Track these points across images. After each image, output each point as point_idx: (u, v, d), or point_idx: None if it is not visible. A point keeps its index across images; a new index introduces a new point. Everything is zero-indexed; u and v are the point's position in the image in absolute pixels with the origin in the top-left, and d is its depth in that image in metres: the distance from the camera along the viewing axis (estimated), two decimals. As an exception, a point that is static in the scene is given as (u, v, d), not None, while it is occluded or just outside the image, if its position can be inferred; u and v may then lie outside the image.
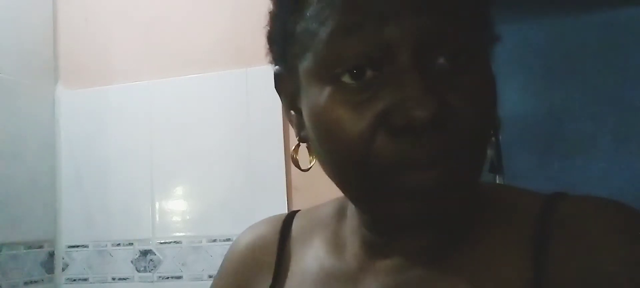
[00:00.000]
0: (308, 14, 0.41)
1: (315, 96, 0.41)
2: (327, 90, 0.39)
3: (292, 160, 0.49)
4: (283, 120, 1.41)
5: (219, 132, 1.46)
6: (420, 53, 0.37)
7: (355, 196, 0.43)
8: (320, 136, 0.41)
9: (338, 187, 0.43)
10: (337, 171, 0.41)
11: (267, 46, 0.47)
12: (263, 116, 1.42)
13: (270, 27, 0.46)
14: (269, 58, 0.48)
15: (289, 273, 0.52)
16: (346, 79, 0.38)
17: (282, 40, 0.44)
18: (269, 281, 0.53)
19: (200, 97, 1.49)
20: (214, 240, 1.44)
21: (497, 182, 1.81)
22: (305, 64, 0.42)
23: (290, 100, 0.48)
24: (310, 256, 0.51)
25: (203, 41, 1.52)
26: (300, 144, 0.48)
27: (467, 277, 0.41)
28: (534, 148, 1.95)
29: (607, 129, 1.93)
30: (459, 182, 0.38)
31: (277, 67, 0.48)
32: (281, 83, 0.49)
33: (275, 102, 1.52)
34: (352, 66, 0.38)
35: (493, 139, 0.45)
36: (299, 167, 0.48)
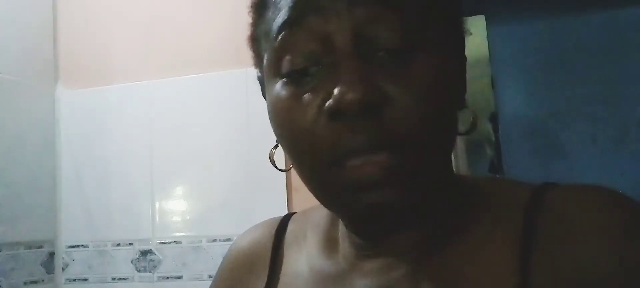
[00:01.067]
0: (267, 17, 0.43)
1: (270, 92, 0.44)
2: (277, 85, 0.42)
3: (270, 159, 0.51)
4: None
5: (219, 132, 1.46)
6: (358, 42, 0.38)
7: (313, 191, 0.44)
8: (275, 131, 0.44)
9: (303, 182, 0.44)
10: (295, 165, 0.43)
11: (250, 52, 0.50)
12: (263, 116, 1.41)
13: (249, 34, 0.49)
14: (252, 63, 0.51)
15: (282, 275, 0.53)
16: (294, 75, 0.41)
17: (254, 45, 0.48)
18: (263, 283, 0.53)
19: (200, 97, 1.49)
20: (214, 240, 1.44)
21: (497, 182, 1.80)
22: (264, 64, 0.45)
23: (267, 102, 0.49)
24: (303, 258, 0.52)
25: (203, 41, 1.52)
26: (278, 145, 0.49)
27: (454, 272, 0.41)
28: (534, 148, 1.95)
29: (607, 129, 1.93)
30: (404, 170, 0.38)
31: (258, 72, 0.50)
32: (262, 87, 0.51)
33: (275, 102, 1.51)
34: (299, 61, 0.40)
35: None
36: (276, 167, 0.50)
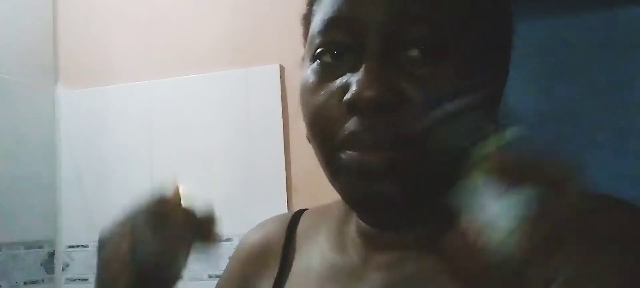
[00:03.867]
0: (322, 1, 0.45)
1: (304, 72, 0.45)
2: (311, 67, 0.44)
3: (308, 139, 0.52)
4: (283, 120, 1.41)
5: (219, 132, 1.46)
6: (388, 42, 0.40)
7: (324, 169, 0.45)
8: (302, 105, 0.45)
9: (319, 162, 0.46)
10: (313, 144, 0.45)
11: (301, 29, 0.51)
12: (263, 116, 1.42)
13: (303, 13, 0.50)
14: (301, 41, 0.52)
15: (293, 269, 0.53)
16: (327, 58, 0.43)
17: (305, 25, 0.49)
18: (275, 275, 0.54)
19: (200, 97, 1.49)
20: (214, 240, 1.44)
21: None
22: (306, 44, 0.47)
23: None
24: (315, 252, 0.52)
25: (203, 41, 1.52)
26: None
27: (460, 266, 0.42)
28: (534, 148, 1.95)
29: (607, 129, 1.93)
30: (403, 167, 0.40)
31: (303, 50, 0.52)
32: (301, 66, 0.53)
33: (275, 102, 1.52)
34: (333, 49, 0.43)
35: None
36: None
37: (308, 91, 0.44)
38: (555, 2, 1.92)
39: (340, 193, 0.46)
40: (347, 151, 0.41)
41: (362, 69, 0.40)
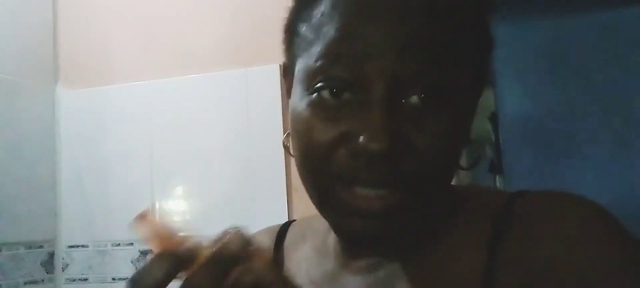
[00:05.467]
0: (313, 21, 0.44)
1: (298, 99, 0.45)
2: (307, 98, 0.43)
3: (283, 145, 0.53)
4: (283, 120, 1.41)
5: (219, 132, 1.46)
6: (392, 90, 0.40)
7: (314, 201, 0.46)
8: (294, 136, 0.45)
9: (306, 190, 0.46)
10: (303, 172, 0.45)
11: (282, 35, 0.51)
12: (263, 116, 1.42)
13: (287, 19, 0.50)
14: (282, 47, 0.51)
15: None
16: (325, 94, 0.42)
17: (290, 35, 0.49)
18: None
19: (200, 97, 1.49)
20: (214, 240, 1.44)
21: (497, 182, 1.81)
22: (298, 66, 0.46)
23: (287, 91, 0.51)
24: (302, 262, 0.55)
25: (203, 41, 1.52)
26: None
27: (427, 272, 0.45)
28: (534, 148, 1.95)
29: (607, 129, 1.93)
30: (404, 208, 0.41)
31: (284, 58, 0.52)
32: (284, 75, 0.53)
33: (275, 102, 1.52)
34: (333, 86, 0.42)
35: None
36: (290, 153, 0.50)
37: (304, 124, 0.43)
38: (555, 2, 1.92)
39: (332, 227, 0.47)
40: (346, 190, 0.41)
41: (367, 118, 0.40)
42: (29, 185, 1.49)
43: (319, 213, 0.55)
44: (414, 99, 0.41)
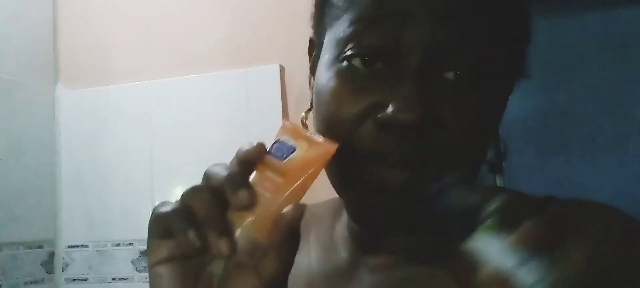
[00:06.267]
0: None
1: (327, 68, 0.42)
2: (337, 66, 0.41)
3: (302, 123, 0.50)
4: (283, 120, 1.41)
5: (219, 132, 1.46)
6: (428, 62, 0.38)
7: (334, 178, 0.44)
8: (318, 106, 0.43)
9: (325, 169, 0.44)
10: None
11: (313, 7, 0.49)
12: (263, 116, 1.42)
13: None
14: (310, 22, 0.50)
15: None
16: (356, 62, 0.40)
17: (321, 5, 0.46)
18: None
19: (200, 97, 1.49)
20: (214, 240, 1.44)
21: (497, 182, 1.81)
22: (329, 36, 0.44)
23: (312, 65, 0.49)
24: (306, 252, 0.52)
25: (203, 41, 1.52)
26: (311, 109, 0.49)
27: (450, 278, 0.42)
28: (534, 148, 1.95)
29: (607, 128, 1.93)
30: (426, 189, 0.39)
31: (312, 32, 0.50)
32: (310, 48, 0.50)
33: (275, 102, 1.52)
34: (365, 54, 0.40)
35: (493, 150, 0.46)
36: (307, 128, 0.48)
37: (330, 94, 0.41)
38: (556, 2, 1.92)
39: (349, 204, 0.44)
40: (370, 165, 0.39)
41: (400, 88, 0.38)
42: (29, 185, 1.49)
43: (321, 202, 0.52)
44: (450, 74, 0.39)
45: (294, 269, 0.51)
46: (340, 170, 0.42)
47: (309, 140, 0.39)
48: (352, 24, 0.40)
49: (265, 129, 1.53)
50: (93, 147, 1.55)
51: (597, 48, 1.95)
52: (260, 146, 0.40)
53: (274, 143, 0.40)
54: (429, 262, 0.44)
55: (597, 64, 1.94)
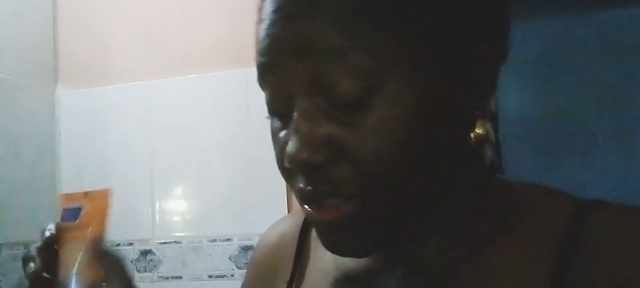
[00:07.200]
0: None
1: None
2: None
3: None
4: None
5: (219, 132, 1.46)
6: (311, 97, 0.37)
7: None
8: None
9: None
10: None
11: None
12: (263, 116, 1.42)
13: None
14: None
15: (308, 269, 0.52)
16: (268, 99, 0.42)
17: None
18: (287, 278, 0.53)
19: (200, 97, 1.49)
20: (214, 240, 1.44)
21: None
22: None
23: None
24: (329, 254, 0.50)
25: (203, 41, 1.52)
26: None
27: (485, 286, 0.40)
28: (534, 148, 1.95)
29: (607, 129, 1.92)
30: (366, 216, 0.38)
31: None
32: None
33: (275, 102, 1.51)
34: (268, 92, 0.42)
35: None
36: None
37: (271, 135, 0.44)
38: (556, 2, 1.92)
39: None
40: (304, 204, 0.40)
41: (291, 128, 0.38)
42: (29, 185, 1.49)
43: None
44: (337, 101, 0.36)
45: (319, 272, 0.50)
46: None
47: (87, 195, 0.57)
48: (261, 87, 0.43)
49: (265, 129, 1.53)
50: (93, 147, 1.55)
51: (597, 48, 1.95)
52: (56, 225, 0.54)
53: (62, 214, 0.55)
54: (453, 269, 0.41)
55: (597, 64, 1.94)
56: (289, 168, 0.39)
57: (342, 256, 0.43)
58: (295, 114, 0.38)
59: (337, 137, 0.37)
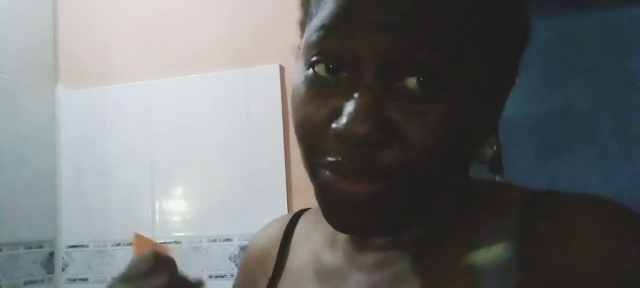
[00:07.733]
0: None
1: (298, 73, 0.43)
2: (304, 73, 0.42)
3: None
4: (283, 120, 1.41)
5: (219, 132, 1.46)
6: (384, 71, 0.37)
7: (309, 176, 0.44)
8: (291, 112, 0.43)
9: None
10: (300, 153, 0.43)
11: (299, 13, 0.49)
12: (263, 116, 1.42)
13: (299, 16, 0.48)
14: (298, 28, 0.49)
15: (287, 268, 0.54)
16: (321, 69, 0.40)
17: (302, 12, 0.46)
18: (269, 276, 0.55)
19: (200, 97, 1.49)
20: (214, 240, 1.44)
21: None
22: (302, 41, 0.44)
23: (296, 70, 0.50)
24: (309, 252, 0.53)
25: (203, 41, 1.52)
26: None
27: (439, 272, 0.42)
28: (534, 148, 1.95)
29: (607, 128, 1.93)
30: (387, 200, 0.39)
31: (299, 33, 0.49)
32: (296, 56, 0.50)
33: (275, 102, 1.52)
34: (328, 62, 0.40)
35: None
36: None
37: (298, 98, 0.42)
38: (556, 2, 1.92)
39: (323, 211, 0.44)
40: (332, 172, 0.39)
41: (354, 99, 0.37)
42: (29, 185, 1.49)
43: None
44: (411, 82, 0.37)
45: (298, 270, 0.52)
46: (308, 169, 0.42)
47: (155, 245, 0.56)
48: (317, 30, 0.40)
49: (265, 129, 1.54)
50: (93, 147, 1.55)
51: (597, 48, 1.95)
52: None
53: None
54: (420, 257, 0.44)
55: (597, 64, 1.94)
56: (318, 131, 0.39)
57: (346, 232, 0.45)
58: (361, 82, 0.38)
59: (397, 121, 0.37)
